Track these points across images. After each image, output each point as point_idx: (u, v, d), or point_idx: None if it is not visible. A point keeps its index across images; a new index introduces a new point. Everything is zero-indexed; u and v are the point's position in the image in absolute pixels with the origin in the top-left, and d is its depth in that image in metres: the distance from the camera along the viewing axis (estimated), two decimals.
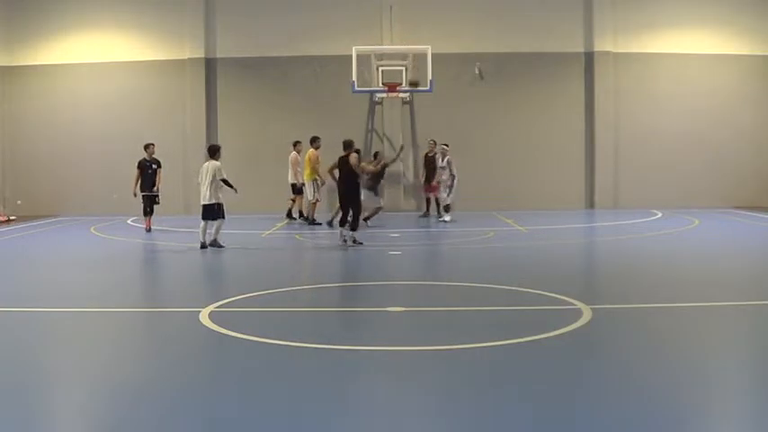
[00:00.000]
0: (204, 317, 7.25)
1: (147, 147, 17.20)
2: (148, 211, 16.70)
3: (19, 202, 22.18)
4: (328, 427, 4.44)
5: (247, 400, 4.84)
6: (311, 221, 17.80)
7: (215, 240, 13.20)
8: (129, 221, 19.45)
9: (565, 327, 6.67)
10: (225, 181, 13.06)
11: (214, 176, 12.99)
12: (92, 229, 17.51)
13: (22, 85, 22.69)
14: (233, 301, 8.23)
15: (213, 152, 13.37)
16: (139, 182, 16.79)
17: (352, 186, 13.61)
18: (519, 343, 6.18)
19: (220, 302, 8.04)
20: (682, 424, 4.42)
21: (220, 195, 13.17)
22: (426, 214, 19.59)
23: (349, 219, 13.54)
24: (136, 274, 10.99)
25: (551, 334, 6.41)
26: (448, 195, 17.78)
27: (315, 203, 17.95)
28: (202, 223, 13.19)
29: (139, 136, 22.25)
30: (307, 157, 17.86)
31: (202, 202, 13.19)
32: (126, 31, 22.53)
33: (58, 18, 22.45)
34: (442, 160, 17.85)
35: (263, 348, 6.18)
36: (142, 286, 9.92)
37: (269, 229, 16.48)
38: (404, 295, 9.20)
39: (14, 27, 22.53)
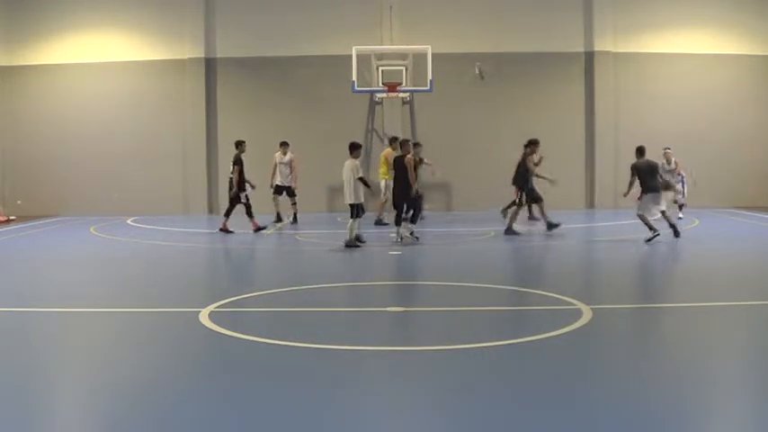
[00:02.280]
0: (204, 317, 7.25)
1: (242, 143, 16.17)
2: (250, 210, 16.01)
3: (19, 202, 22.17)
4: (328, 427, 4.44)
5: (247, 401, 4.84)
6: (378, 221, 17.48)
7: (354, 238, 13.18)
8: (129, 221, 19.44)
9: (565, 327, 6.67)
10: (362, 179, 13.03)
11: (352, 175, 12.99)
12: (91, 229, 17.51)
13: (22, 85, 22.70)
14: (233, 301, 8.23)
15: (351, 150, 13.23)
16: (237, 180, 15.81)
17: (406, 185, 13.71)
18: (519, 343, 6.17)
19: (220, 302, 8.03)
20: (682, 424, 4.42)
21: (361, 194, 13.07)
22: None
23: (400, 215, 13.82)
24: (136, 275, 10.98)
25: (551, 334, 6.41)
26: (683, 195, 17.80)
27: (384, 203, 17.72)
28: (350, 221, 13.17)
29: (140, 136, 22.38)
30: (383, 156, 17.67)
31: (346, 201, 13.20)
32: (126, 31, 22.55)
33: (57, 18, 22.46)
34: (669, 163, 17.60)
35: (263, 348, 6.17)
36: (142, 286, 9.91)
37: (270, 229, 16.48)
38: (404, 295, 9.20)
39: (14, 27, 22.54)
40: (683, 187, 17.88)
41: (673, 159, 17.86)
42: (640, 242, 13.72)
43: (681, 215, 17.79)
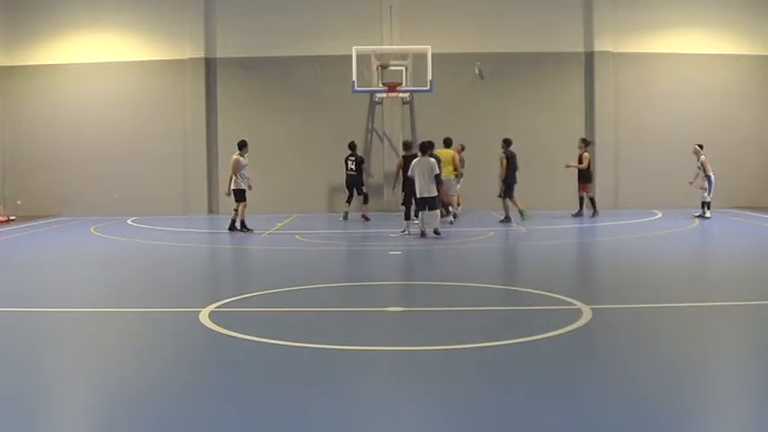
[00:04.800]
0: (204, 317, 7.25)
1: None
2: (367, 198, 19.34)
3: (19, 202, 22.20)
4: (328, 427, 4.43)
5: (247, 401, 4.84)
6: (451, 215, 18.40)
7: (436, 229, 14.33)
8: (129, 221, 19.44)
9: (565, 327, 6.67)
10: (438, 177, 14.19)
11: (430, 171, 14.04)
12: (92, 229, 17.51)
13: (21, 85, 22.71)
14: (233, 301, 8.23)
15: (426, 149, 14.36)
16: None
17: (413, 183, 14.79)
18: (519, 343, 6.17)
19: (220, 302, 8.03)
20: (682, 424, 4.42)
21: (434, 189, 14.14)
22: (579, 213, 19.10)
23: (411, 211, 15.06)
24: (136, 274, 10.99)
25: (551, 334, 6.41)
26: (709, 194, 18.19)
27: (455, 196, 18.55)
28: (420, 213, 14.60)
29: (139, 136, 22.39)
30: (451, 156, 18.00)
31: (418, 195, 14.19)
32: (126, 31, 22.56)
33: (58, 18, 22.47)
34: (697, 160, 18.33)
35: (263, 348, 6.17)
36: (142, 286, 9.91)
37: (269, 229, 16.47)
38: (404, 295, 9.20)
39: (14, 27, 22.55)
40: (708, 186, 18.10)
41: (700, 157, 18.27)
42: (640, 242, 13.72)
43: (708, 214, 17.99)
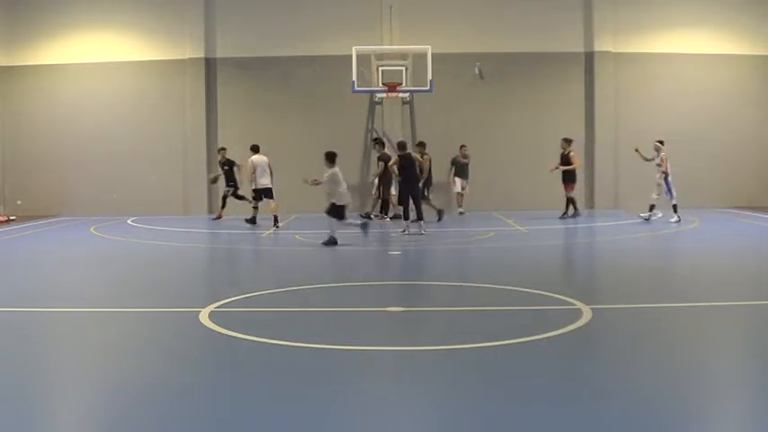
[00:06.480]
0: (204, 317, 7.25)
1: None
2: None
3: (19, 202, 22.18)
4: (328, 427, 4.44)
5: (247, 401, 4.84)
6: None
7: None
8: (129, 221, 19.44)
9: (565, 327, 6.67)
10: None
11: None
12: (92, 229, 17.51)
13: (21, 85, 22.70)
14: (233, 301, 8.22)
15: (333, 158, 14.49)
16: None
17: (411, 181, 15.15)
18: (519, 343, 6.17)
19: (220, 302, 8.03)
20: (682, 424, 4.42)
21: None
22: (565, 215, 18.83)
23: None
24: (135, 275, 10.98)
25: (551, 334, 6.41)
26: (671, 195, 16.91)
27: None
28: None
29: (139, 136, 22.38)
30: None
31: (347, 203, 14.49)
32: (126, 31, 22.55)
33: (58, 18, 22.46)
34: (658, 158, 17.05)
35: (263, 348, 6.17)
36: (142, 286, 9.91)
37: (270, 229, 16.47)
38: (404, 295, 9.20)
39: (14, 27, 22.55)
40: (667, 187, 16.90)
41: (659, 154, 17.04)
42: (639, 242, 13.70)
43: (674, 219, 16.78)
